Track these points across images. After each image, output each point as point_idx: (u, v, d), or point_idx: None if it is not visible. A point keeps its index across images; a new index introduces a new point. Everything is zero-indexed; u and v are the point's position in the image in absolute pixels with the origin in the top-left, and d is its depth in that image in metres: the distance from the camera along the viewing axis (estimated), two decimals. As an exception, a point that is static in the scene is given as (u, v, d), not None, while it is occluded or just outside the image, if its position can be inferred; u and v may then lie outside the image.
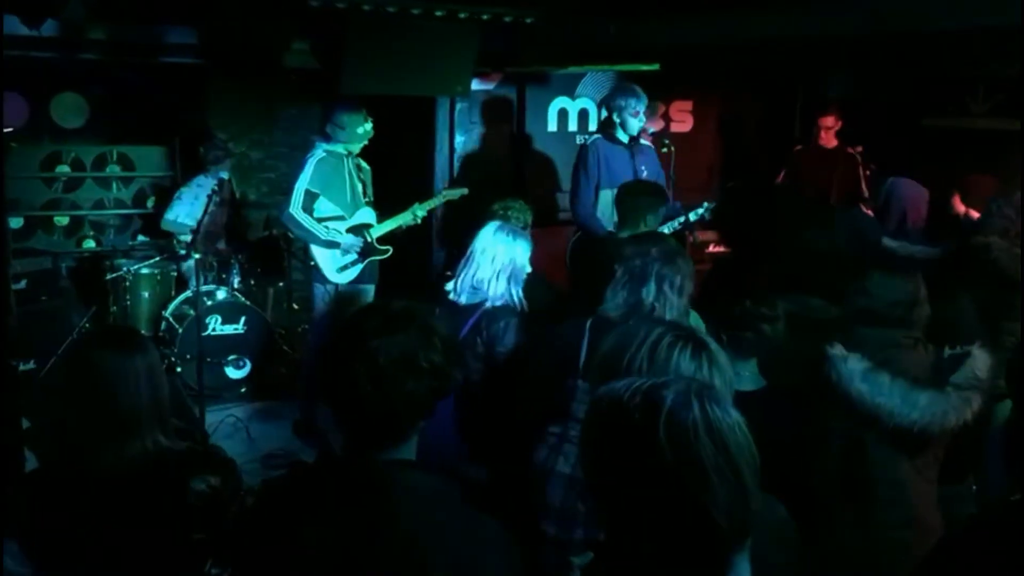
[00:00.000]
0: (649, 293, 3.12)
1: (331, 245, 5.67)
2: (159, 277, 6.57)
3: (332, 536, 1.68)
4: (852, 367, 2.90)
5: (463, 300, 3.65)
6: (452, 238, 7.02)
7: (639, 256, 3.20)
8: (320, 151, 5.66)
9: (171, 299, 6.50)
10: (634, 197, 4.80)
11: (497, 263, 3.65)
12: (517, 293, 3.68)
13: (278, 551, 1.72)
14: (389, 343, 1.73)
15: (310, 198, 5.59)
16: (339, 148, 5.67)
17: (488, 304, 3.63)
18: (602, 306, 3.22)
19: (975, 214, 5.06)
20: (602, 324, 3.18)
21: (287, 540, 1.71)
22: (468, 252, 3.74)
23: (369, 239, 5.75)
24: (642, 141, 5.84)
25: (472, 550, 1.70)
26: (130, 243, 7.49)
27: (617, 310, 3.16)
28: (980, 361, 2.90)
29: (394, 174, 6.79)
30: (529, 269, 3.75)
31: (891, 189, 4.79)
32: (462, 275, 3.69)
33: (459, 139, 7.20)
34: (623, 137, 5.77)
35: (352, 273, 5.76)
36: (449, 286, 3.74)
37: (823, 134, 6.87)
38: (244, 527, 1.86)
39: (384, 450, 1.77)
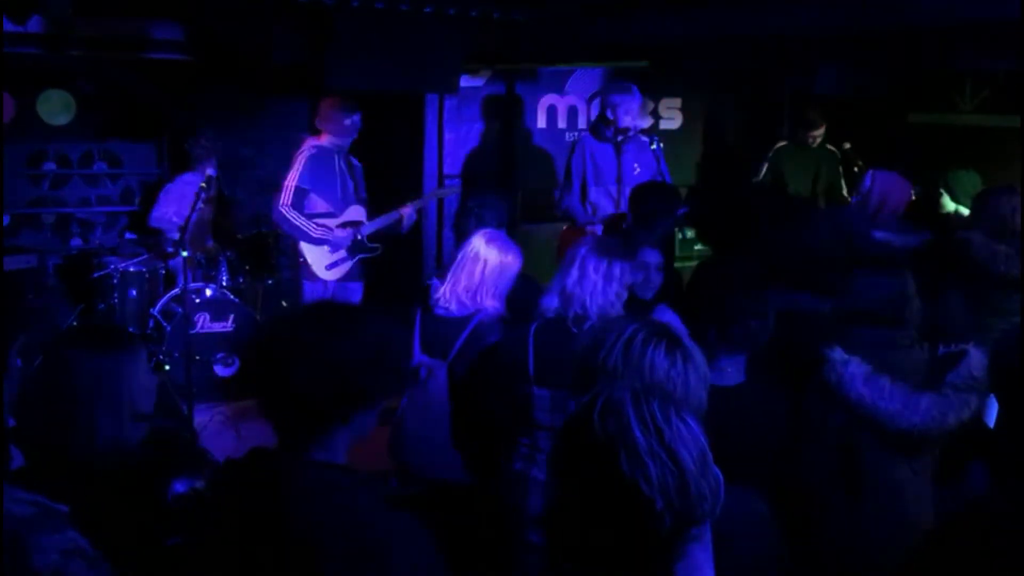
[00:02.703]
0: (571, 277, 3.14)
1: (321, 242, 5.65)
2: (147, 275, 6.53)
3: (235, 537, 1.69)
4: (853, 371, 2.90)
5: (454, 310, 3.59)
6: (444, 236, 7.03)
7: (572, 247, 3.24)
8: (310, 147, 5.65)
9: (159, 297, 6.47)
10: (646, 200, 4.81)
11: (488, 274, 3.57)
12: (503, 305, 3.62)
13: (199, 552, 1.74)
14: (319, 340, 1.74)
15: (300, 195, 5.58)
16: (329, 144, 5.66)
17: (481, 316, 3.57)
18: (540, 308, 3.25)
19: (965, 211, 5.08)
20: (543, 326, 3.21)
21: (205, 541, 1.73)
22: (458, 259, 3.64)
23: (359, 236, 5.74)
24: (641, 137, 5.81)
25: (376, 546, 1.68)
26: (117, 241, 7.46)
27: (551, 304, 3.20)
28: (976, 360, 2.90)
29: (384, 171, 6.77)
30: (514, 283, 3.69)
31: (871, 181, 4.82)
32: (451, 284, 3.60)
33: (448, 136, 7.19)
34: (612, 134, 5.76)
35: (341, 270, 5.74)
36: (437, 294, 3.66)
37: (810, 141, 6.89)
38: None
39: (312, 448, 1.77)
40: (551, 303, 3.22)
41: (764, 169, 6.97)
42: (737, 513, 1.79)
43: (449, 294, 3.60)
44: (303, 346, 1.75)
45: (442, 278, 3.68)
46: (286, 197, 5.56)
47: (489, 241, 3.63)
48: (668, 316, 3.38)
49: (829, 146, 6.87)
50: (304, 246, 5.68)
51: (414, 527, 1.76)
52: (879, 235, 4.44)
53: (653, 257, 4.00)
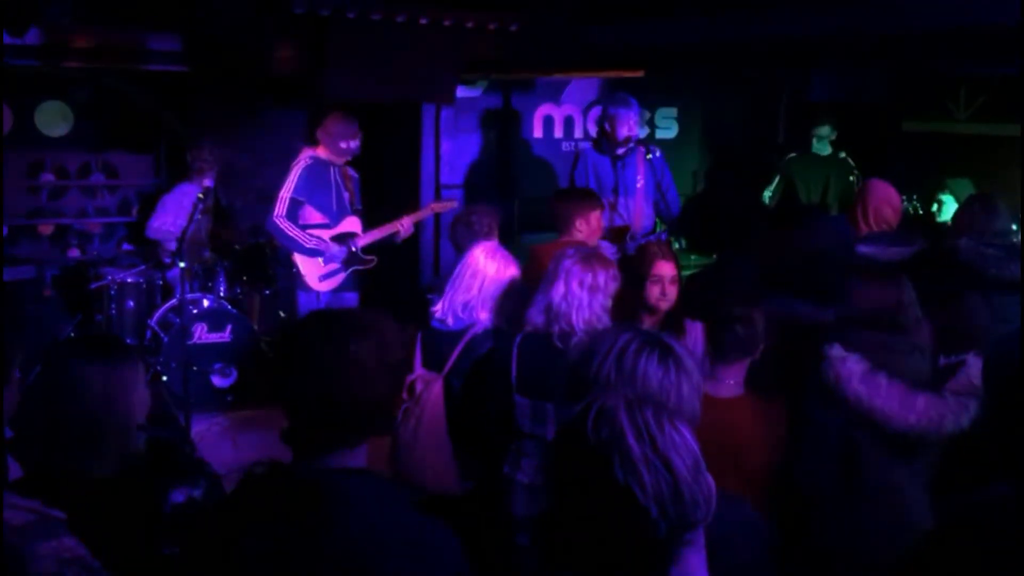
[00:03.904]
0: (557, 292, 3.16)
1: (313, 253, 5.65)
2: (144, 286, 6.54)
3: (273, 547, 1.66)
4: (851, 368, 2.90)
5: (451, 323, 3.58)
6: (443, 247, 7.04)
7: (554, 260, 3.26)
8: (306, 158, 5.66)
9: (156, 307, 6.47)
10: (563, 203, 4.83)
11: (486, 289, 3.55)
12: (500, 318, 3.60)
13: (226, 563, 1.71)
14: (361, 346, 1.73)
15: (295, 206, 5.59)
16: (325, 156, 5.67)
17: (475, 329, 3.56)
18: (525, 320, 3.27)
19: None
20: (527, 338, 3.24)
21: (233, 552, 1.70)
22: (455, 273, 3.63)
23: (353, 248, 5.73)
24: (639, 148, 5.83)
25: (418, 554, 1.70)
26: (115, 251, 7.46)
27: (536, 316, 3.21)
28: (975, 368, 2.91)
29: (381, 181, 6.79)
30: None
31: (863, 191, 4.82)
32: (448, 296, 3.59)
33: (445, 146, 7.21)
34: (609, 146, 5.77)
35: (335, 281, 5.75)
36: (434, 307, 3.65)
37: (815, 141, 6.90)
38: (196, 540, 1.84)
39: (335, 456, 1.76)
40: (536, 318, 3.23)
41: (776, 180, 6.98)
42: (731, 520, 1.80)
43: (447, 307, 3.59)
44: (354, 353, 1.72)
45: (441, 293, 3.68)
46: (280, 208, 5.57)
47: (488, 254, 3.61)
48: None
49: (841, 154, 6.86)
50: (297, 256, 5.68)
51: (450, 532, 1.77)
52: (868, 249, 4.43)
53: (667, 269, 3.99)
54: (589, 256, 3.25)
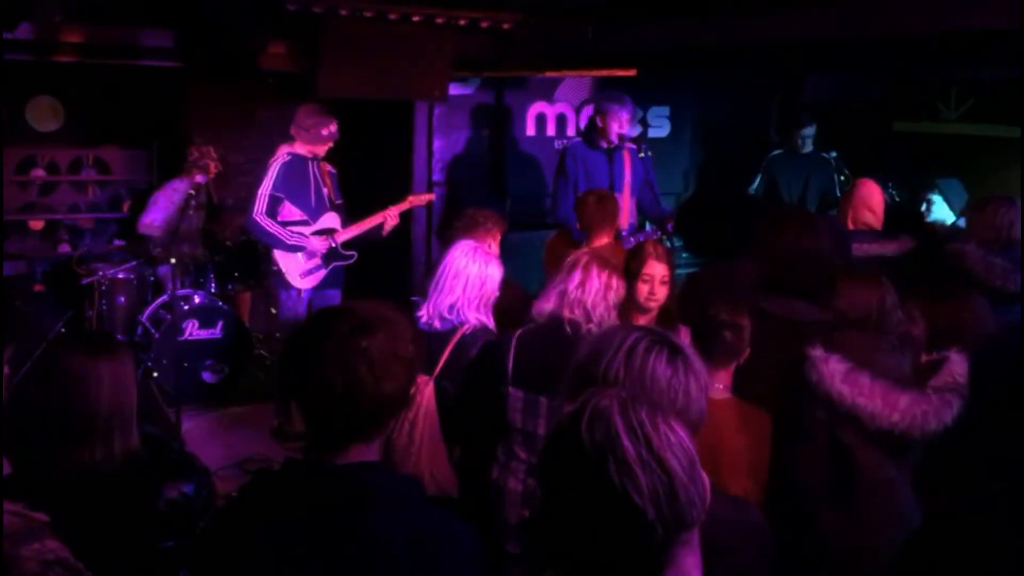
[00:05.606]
0: (574, 281, 3.25)
1: (295, 249, 5.65)
2: (135, 281, 6.52)
3: (298, 542, 1.67)
4: (833, 368, 2.91)
5: (438, 326, 3.58)
6: (440, 238, 7.04)
7: (571, 257, 3.36)
8: (284, 155, 5.64)
9: (147, 303, 6.46)
10: (608, 204, 4.85)
11: (470, 290, 3.55)
12: (487, 316, 3.61)
13: (244, 560, 1.70)
14: (375, 339, 1.74)
15: (274, 202, 5.57)
16: (303, 151, 5.65)
17: (464, 329, 3.56)
18: (533, 312, 3.33)
19: (948, 220, 5.11)
20: (530, 330, 3.29)
21: (252, 549, 1.70)
22: (436, 275, 3.62)
23: (333, 244, 5.73)
24: (627, 145, 5.83)
25: (438, 547, 1.71)
26: (106, 247, 7.44)
27: (547, 304, 3.28)
28: (957, 365, 2.92)
29: (373, 178, 6.78)
30: (497, 294, 3.68)
31: (849, 191, 4.83)
32: (432, 300, 3.59)
33: (438, 143, 7.20)
34: (603, 142, 5.78)
35: (316, 278, 5.74)
36: (419, 311, 3.64)
37: (799, 143, 6.92)
38: (208, 537, 1.84)
39: (351, 451, 1.76)
40: (546, 305, 3.27)
41: (758, 178, 7.00)
42: (732, 524, 1.80)
43: (432, 311, 3.58)
44: (366, 347, 1.73)
45: (424, 296, 3.67)
46: (260, 205, 5.55)
47: (467, 254, 3.60)
48: None
49: (830, 153, 6.88)
50: (278, 254, 5.66)
51: (467, 526, 1.80)
52: (860, 245, 4.44)
53: (659, 270, 4.00)
54: (605, 259, 3.35)
